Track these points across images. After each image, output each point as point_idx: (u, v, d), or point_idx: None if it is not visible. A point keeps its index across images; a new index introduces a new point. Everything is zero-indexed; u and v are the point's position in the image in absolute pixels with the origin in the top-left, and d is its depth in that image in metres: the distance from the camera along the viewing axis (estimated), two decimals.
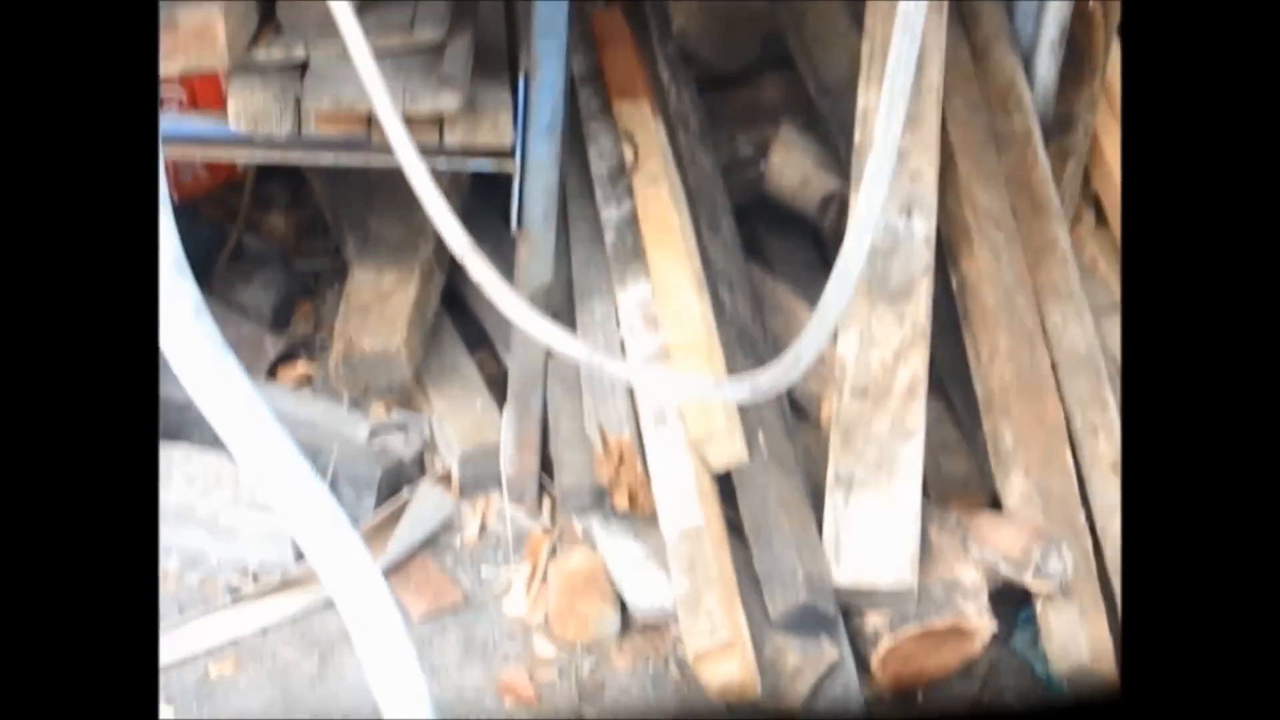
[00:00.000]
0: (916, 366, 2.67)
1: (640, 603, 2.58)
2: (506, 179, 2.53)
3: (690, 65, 3.30)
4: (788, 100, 3.37)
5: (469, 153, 2.51)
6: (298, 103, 2.44)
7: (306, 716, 2.53)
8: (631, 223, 2.84)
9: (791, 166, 3.19)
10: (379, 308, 2.98)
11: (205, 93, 2.86)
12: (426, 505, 2.84)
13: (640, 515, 2.63)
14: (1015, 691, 2.69)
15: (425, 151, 1.92)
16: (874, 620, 2.54)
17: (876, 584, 2.50)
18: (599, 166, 2.96)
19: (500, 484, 2.86)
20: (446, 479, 2.90)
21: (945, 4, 3.01)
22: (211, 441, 2.71)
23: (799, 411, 2.82)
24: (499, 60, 2.64)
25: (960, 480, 2.78)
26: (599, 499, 2.67)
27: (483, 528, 2.85)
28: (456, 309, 3.22)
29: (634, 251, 2.81)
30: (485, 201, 3.16)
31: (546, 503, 2.84)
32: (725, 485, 2.60)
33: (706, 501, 2.51)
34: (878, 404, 2.64)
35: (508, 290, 1.87)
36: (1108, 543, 2.62)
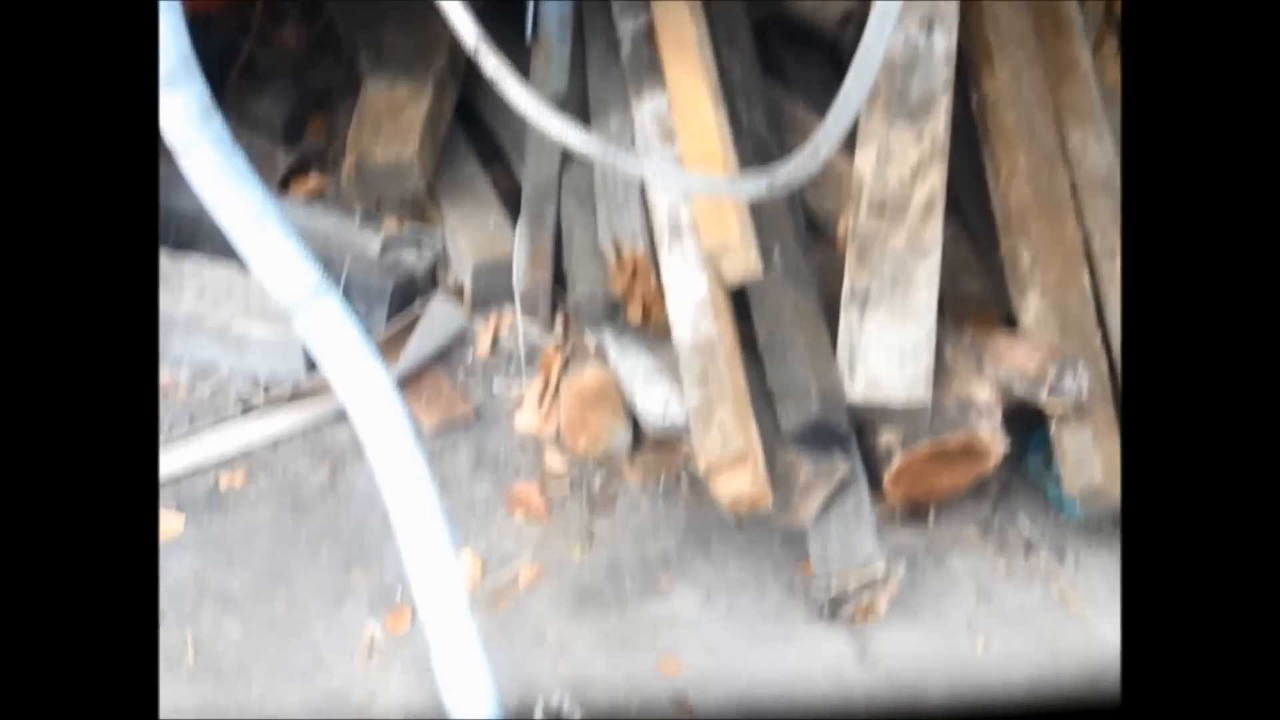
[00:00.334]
0: (934, 183, 2.63)
1: (652, 417, 2.57)
2: None
3: None
4: None
5: None
6: None
7: (316, 526, 2.54)
8: (648, 35, 2.78)
9: None
10: (392, 120, 2.95)
11: None
12: (438, 319, 2.82)
13: (653, 329, 2.61)
14: (1027, 514, 2.70)
15: None
16: (886, 437, 2.53)
17: (890, 400, 2.49)
18: None
19: (513, 298, 2.85)
20: (459, 293, 2.88)
21: None
22: (223, 253, 2.71)
23: (815, 230, 2.79)
24: None
25: (976, 301, 2.75)
26: (612, 313, 2.64)
27: (495, 342, 2.84)
28: (470, 124, 3.18)
29: (650, 64, 2.75)
30: (499, 19, 3.11)
31: (559, 317, 2.83)
32: (740, 303, 2.58)
33: (720, 314, 2.48)
34: (894, 220, 2.61)
35: (519, 85, 1.83)
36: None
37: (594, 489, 2.65)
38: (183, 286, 2.80)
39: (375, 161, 2.90)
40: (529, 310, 2.83)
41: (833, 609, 2.46)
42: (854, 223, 2.62)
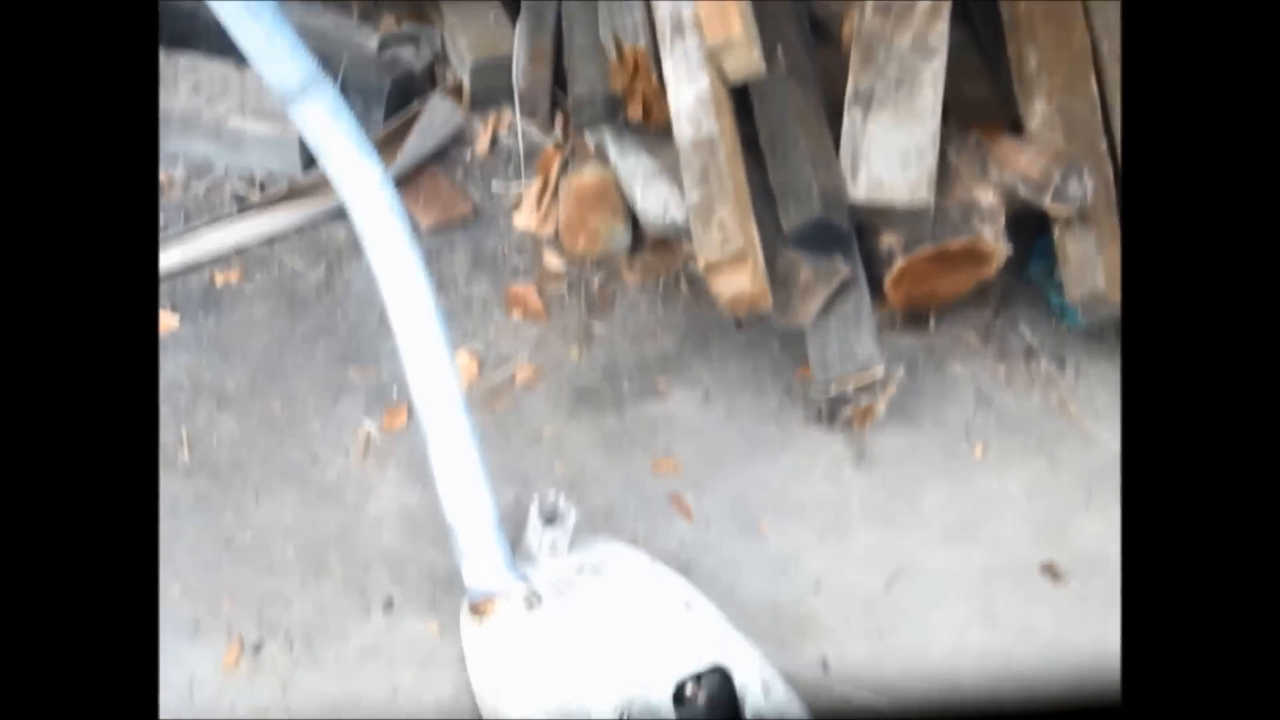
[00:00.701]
0: None
1: (652, 216, 2.54)
2: None
3: None
4: None
5: None
6: None
7: (311, 324, 2.53)
8: None
9: None
10: None
11: None
12: (436, 117, 2.79)
13: (654, 129, 2.57)
14: (1028, 320, 2.69)
15: None
16: (888, 239, 2.51)
17: (892, 200, 2.46)
18: None
19: (512, 97, 2.81)
20: (457, 91, 2.85)
21: None
22: (219, 49, 2.67)
23: (819, 30, 2.74)
24: None
25: (981, 106, 2.71)
26: (612, 111, 2.60)
27: (494, 141, 2.81)
28: None
29: None
30: None
31: (559, 116, 2.80)
32: (743, 103, 2.54)
33: (722, 112, 2.44)
34: (900, 20, 2.56)
35: None
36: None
37: (592, 289, 2.63)
38: (178, 83, 2.76)
39: None
40: (528, 110, 2.79)
41: (831, 412, 2.46)
42: (859, 22, 2.58)
